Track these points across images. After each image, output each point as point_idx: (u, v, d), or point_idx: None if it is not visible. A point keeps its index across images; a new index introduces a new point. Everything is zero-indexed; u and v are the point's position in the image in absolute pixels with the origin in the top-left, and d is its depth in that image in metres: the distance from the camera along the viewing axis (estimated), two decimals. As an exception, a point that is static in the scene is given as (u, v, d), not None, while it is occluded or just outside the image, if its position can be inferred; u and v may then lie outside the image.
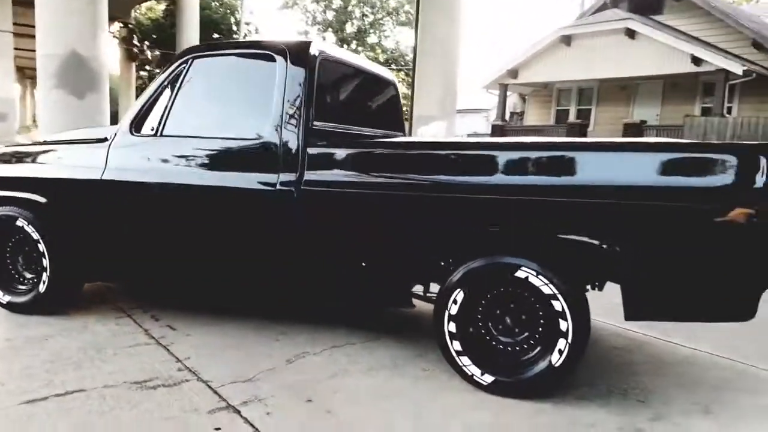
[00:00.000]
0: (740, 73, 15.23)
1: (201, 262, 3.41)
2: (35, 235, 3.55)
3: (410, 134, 10.84)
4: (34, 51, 7.86)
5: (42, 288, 3.58)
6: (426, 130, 10.41)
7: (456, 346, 2.77)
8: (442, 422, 2.49)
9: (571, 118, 20.97)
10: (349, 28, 42.12)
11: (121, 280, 4.29)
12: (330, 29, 42.18)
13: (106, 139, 3.46)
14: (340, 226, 3.03)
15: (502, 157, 2.73)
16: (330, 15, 42.53)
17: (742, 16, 18.48)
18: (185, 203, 3.32)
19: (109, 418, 2.42)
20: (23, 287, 3.71)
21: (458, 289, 2.73)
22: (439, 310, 2.80)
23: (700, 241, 2.43)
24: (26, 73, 38.31)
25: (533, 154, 2.68)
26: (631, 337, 3.67)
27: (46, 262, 3.55)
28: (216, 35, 36.11)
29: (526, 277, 2.60)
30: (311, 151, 3.03)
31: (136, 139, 3.39)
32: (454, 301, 2.74)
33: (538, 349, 2.67)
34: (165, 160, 3.32)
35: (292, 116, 3.07)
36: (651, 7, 19.52)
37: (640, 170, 2.48)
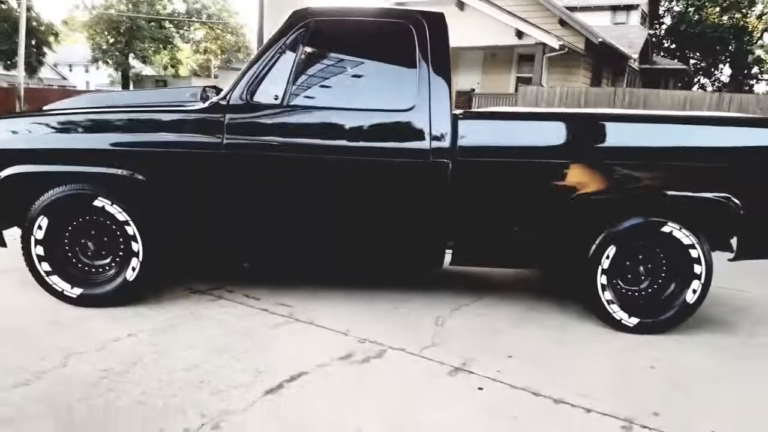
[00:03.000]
0: (557, 46, 17.48)
1: (338, 236, 3.30)
2: (122, 216, 3.09)
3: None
4: None
5: (130, 275, 3.16)
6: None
7: (607, 296, 3.18)
8: (632, 363, 2.87)
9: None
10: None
11: (226, 260, 3.96)
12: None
13: (215, 107, 3.11)
14: (493, 193, 3.20)
15: (655, 127, 3.22)
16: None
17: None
18: (324, 176, 3.15)
19: (369, 390, 2.42)
20: (101, 277, 3.21)
21: (612, 246, 3.14)
22: (590, 266, 3.17)
23: None
24: None
25: (687, 128, 3.23)
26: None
27: (137, 246, 3.13)
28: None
29: (671, 231, 3.11)
30: (463, 122, 3.13)
31: (259, 108, 3.11)
32: (607, 257, 3.15)
33: (672, 290, 3.21)
34: (300, 132, 3.10)
35: (439, 86, 3.11)
36: (469, -20, 21.15)
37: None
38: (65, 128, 3.14)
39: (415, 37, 3.13)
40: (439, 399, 2.40)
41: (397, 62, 3.20)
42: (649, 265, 3.26)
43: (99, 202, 3.08)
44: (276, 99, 3.11)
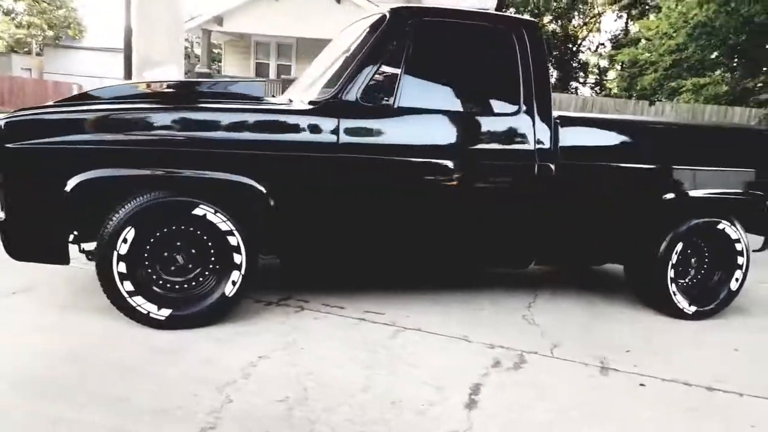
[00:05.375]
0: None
1: (448, 238, 3.26)
2: (225, 226, 2.76)
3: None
4: None
5: (230, 290, 2.83)
6: (155, 75, 9.74)
7: (673, 288, 3.52)
8: (718, 347, 3.22)
9: (272, 72, 21.54)
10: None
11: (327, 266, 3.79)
12: None
13: (327, 107, 2.89)
14: (589, 195, 3.38)
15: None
16: None
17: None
18: (436, 178, 3.09)
19: (558, 397, 2.46)
20: (194, 293, 2.82)
21: (680, 242, 3.47)
22: (662, 261, 3.47)
23: None
24: None
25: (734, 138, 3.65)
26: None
27: (240, 258, 2.81)
28: None
29: (723, 228, 3.53)
30: (563, 128, 3.24)
31: (371, 110, 2.94)
32: (676, 252, 3.48)
33: (717, 279, 3.64)
34: (412, 134, 3.02)
35: (540, 91, 3.18)
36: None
37: None
38: (157, 125, 2.71)
39: (516, 43, 3.18)
40: (618, 397, 2.52)
41: (499, 66, 3.22)
42: (696, 258, 3.67)
43: (200, 210, 2.72)
44: (387, 100, 2.98)
